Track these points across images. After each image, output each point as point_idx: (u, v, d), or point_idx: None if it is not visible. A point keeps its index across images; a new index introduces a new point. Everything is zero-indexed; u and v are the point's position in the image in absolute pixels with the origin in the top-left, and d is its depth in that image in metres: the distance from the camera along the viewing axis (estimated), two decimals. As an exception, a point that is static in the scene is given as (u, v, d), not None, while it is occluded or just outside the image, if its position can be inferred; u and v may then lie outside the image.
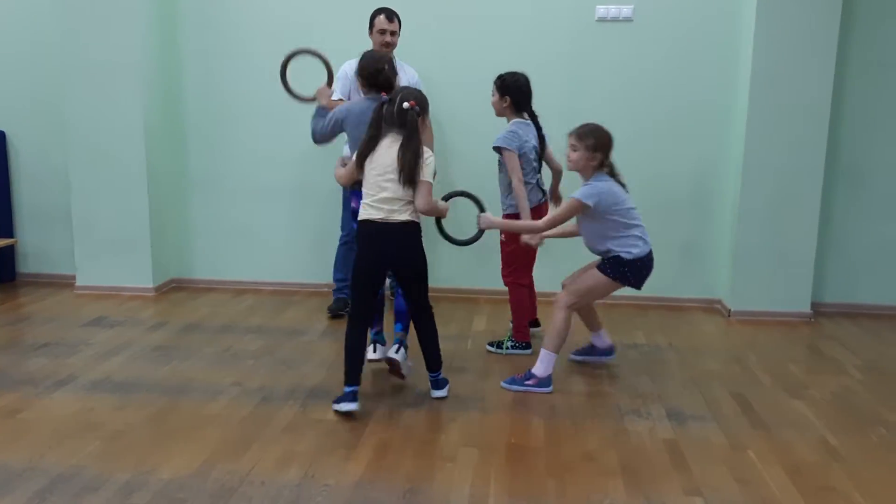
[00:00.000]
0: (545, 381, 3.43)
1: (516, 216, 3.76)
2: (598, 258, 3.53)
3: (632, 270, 3.41)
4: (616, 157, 3.49)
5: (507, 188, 3.82)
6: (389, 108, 3.11)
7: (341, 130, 3.50)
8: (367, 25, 4.41)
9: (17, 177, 5.41)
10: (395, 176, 3.07)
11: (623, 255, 3.38)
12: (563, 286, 3.62)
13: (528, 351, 3.92)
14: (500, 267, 4.00)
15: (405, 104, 3.06)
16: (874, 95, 4.73)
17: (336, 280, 4.69)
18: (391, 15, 4.36)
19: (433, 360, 3.36)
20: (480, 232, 3.54)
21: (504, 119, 3.90)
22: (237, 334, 4.24)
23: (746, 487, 2.60)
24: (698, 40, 4.71)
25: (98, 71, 4.88)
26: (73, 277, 5.20)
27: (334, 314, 4.59)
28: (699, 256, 4.96)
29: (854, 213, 4.86)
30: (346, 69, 4.29)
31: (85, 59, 4.88)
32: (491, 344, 4.03)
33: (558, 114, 4.31)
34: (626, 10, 4.79)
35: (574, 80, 4.83)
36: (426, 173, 3.09)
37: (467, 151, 4.90)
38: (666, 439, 2.98)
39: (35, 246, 5.48)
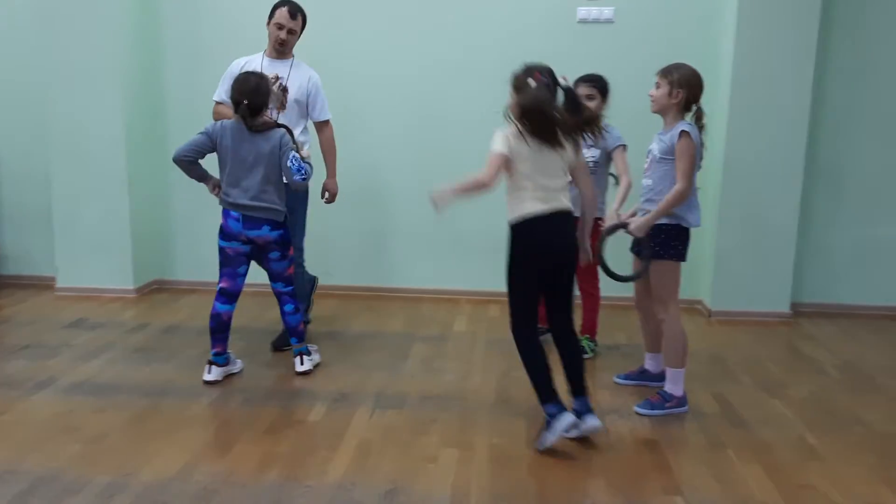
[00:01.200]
0: (683, 400, 3.27)
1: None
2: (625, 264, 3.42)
3: (683, 243, 3.22)
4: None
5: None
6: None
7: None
8: (268, 15, 3.92)
9: (-2, 178, 5.37)
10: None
11: (682, 223, 3.19)
12: (638, 303, 3.48)
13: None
14: (586, 277, 3.90)
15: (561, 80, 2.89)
16: (852, 98, 4.79)
17: None
18: (295, 11, 3.89)
19: (581, 382, 3.00)
20: (646, 268, 3.26)
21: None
22: (220, 336, 4.23)
23: (726, 486, 2.63)
24: (679, 42, 4.74)
25: (79, 74, 4.85)
26: (54, 279, 5.16)
27: (279, 348, 4.03)
28: (681, 257, 5.00)
29: (833, 213, 4.92)
30: (234, 69, 3.87)
31: (66, 62, 4.85)
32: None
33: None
34: (607, 12, 4.83)
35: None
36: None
37: (456, 151, 4.90)
38: (646, 439, 3.00)
39: (15, 248, 5.43)
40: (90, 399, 3.31)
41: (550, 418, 2.83)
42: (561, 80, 2.85)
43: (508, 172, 2.86)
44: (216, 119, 3.84)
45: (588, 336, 4.00)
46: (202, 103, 5.08)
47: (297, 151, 3.44)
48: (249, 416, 3.16)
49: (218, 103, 3.99)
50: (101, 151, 4.92)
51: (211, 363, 3.53)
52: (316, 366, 3.72)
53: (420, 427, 3.08)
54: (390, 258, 5.22)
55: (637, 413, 3.24)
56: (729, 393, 3.50)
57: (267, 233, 3.45)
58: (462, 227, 5.00)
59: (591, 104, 3.71)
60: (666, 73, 3.19)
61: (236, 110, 3.38)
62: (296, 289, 3.76)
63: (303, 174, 3.42)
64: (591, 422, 2.90)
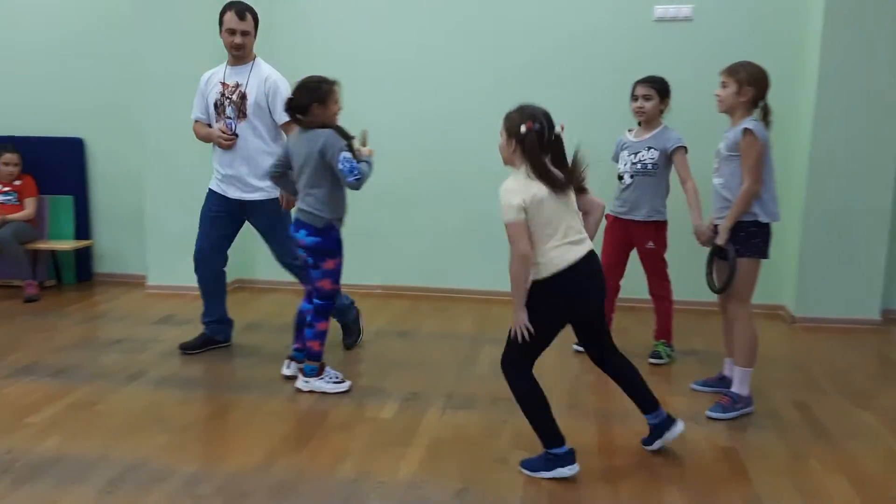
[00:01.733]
0: (749, 401, 3.24)
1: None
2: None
3: (764, 239, 3.16)
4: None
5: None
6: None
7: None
8: (219, 24, 3.80)
9: (94, 181, 5.68)
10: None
11: (760, 217, 3.13)
12: (721, 304, 3.41)
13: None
14: (655, 281, 3.87)
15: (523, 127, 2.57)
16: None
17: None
18: (242, 11, 3.71)
19: (650, 397, 2.83)
20: (733, 270, 3.16)
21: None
22: (298, 334, 4.36)
23: (808, 498, 2.54)
24: (760, 38, 4.60)
25: (168, 83, 5.08)
26: (144, 277, 5.43)
27: (350, 347, 4.08)
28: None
29: (928, 215, 4.67)
30: (202, 85, 3.89)
31: (157, 72, 5.10)
32: (655, 356, 3.89)
33: (622, 116, 4.24)
34: (685, 10, 4.73)
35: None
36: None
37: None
38: (724, 447, 2.93)
39: (110, 247, 5.73)
40: (176, 392, 3.47)
41: (559, 461, 2.64)
42: (557, 129, 2.61)
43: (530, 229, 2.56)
44: (198, 137, 3.96)
45: (664, 341, 3.92)
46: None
47: (351, 150, 3.24)
48: (324, 411, 3.25)
49: (196, 121, 3.94)
50: (187, 156, 5.13)
51: (290, 358, 3.64)
52: (326, 392, 3.43)
53: (491, 428, 3.09)
54: (459, 259, 5.26)
55: (709, 418, 3.17)
56: (812, 402, 3.38)
57: (303, 237, 3.34)
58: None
59: (647, 105, 3.73)
60: (733, 71, 3.17)
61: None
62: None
63: (356, 175, 3.18)
64: (676, 429, 2.82)
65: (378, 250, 5.30)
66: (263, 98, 3.74)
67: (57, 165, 5.54)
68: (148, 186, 5.27)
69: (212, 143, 3.90)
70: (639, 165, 3.81)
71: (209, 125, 3.89)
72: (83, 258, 5.65)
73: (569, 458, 2.65)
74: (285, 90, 3.65)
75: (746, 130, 3.08)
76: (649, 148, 3.77)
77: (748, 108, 3.15)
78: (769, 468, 2.76)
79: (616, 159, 3.96)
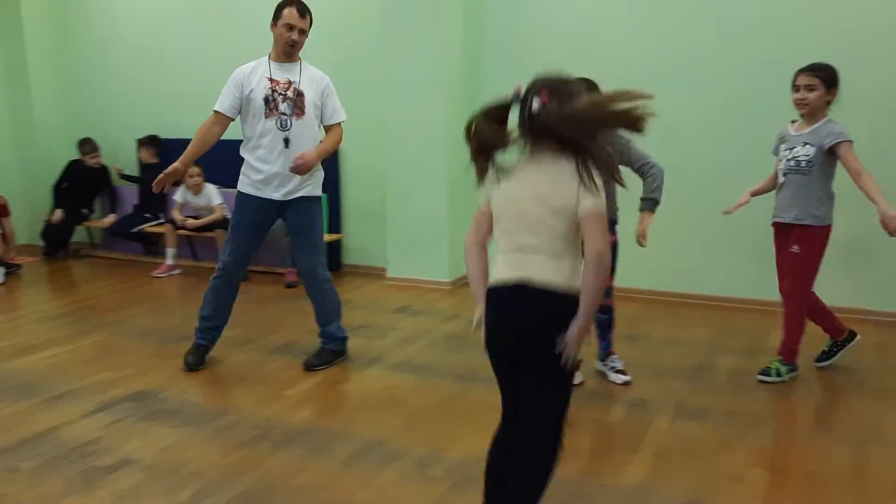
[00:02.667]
0: None
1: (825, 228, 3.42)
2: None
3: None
4: None
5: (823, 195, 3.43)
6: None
7: None
8: (272, 17, 3.68)
9: (346, 180, 6.21)
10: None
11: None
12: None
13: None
14: (791, 287, 3.53)
15: (535, 102, 1.93)
16: None
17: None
18: (303, 10, 3.63)
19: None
20: None
21: None
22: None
23: None
24: None
25: (413, 85, 5.40)
26: (385, 270, 5.85)
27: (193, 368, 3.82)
28: None
29: None
30: (239, 77, 3.66)
31: (404, 75, 5.44)
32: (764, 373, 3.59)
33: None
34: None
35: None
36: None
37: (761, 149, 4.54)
38: None
39: (357, 240, 6.25)
40: (411, 377, 3.69)
41: None
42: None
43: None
44: (201, 135, 3.62)
45: (780, 358, 3.56)
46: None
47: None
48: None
49: (214, 112, 3.67)
50: (426, 156, 5.43)
51: None
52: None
53: (725, 443, 2.91)
54: (697, 263, 5.00)
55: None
56: None
57: None
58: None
59: (810, 95, 3.35)
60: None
61: None
62: (324, 304, 3.83)
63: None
64: None
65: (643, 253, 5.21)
66: (319, 98, 3.73)
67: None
68: (391, 185, 5.66)
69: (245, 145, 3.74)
70: (792, 162, 3.42)
71: (229, 122, 3.70)
72: (334, 250, 6.21)
73: None
74: (335, 92, 3.79)
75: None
76: (805, 143, 3.37)
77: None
78: None
79: (776, 153, 3.60)
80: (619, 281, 5.17)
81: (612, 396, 3.39)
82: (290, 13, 3.59)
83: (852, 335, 3.74)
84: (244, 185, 3.75)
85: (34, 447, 2.93)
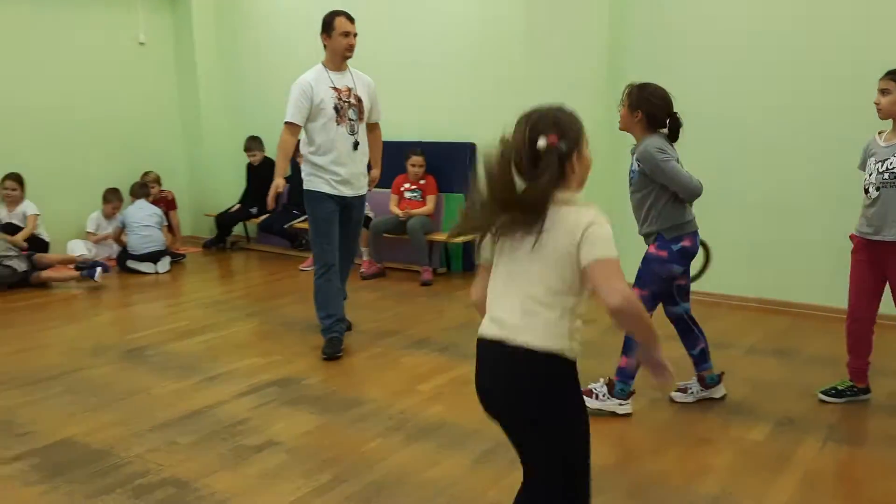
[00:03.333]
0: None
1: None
2: None
3: None
4: None
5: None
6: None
7: None
8: (323, 29, 3.95)
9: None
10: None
11: None
12: None
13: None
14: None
15: (541, 140, 1.70)
16: None
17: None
18: (351, 17, 3.95)
19: None
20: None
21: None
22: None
23: None
24: None
25: (556, 86, 5.36)
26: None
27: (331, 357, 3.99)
28: None
29: None
30: (306, 87, 3.87)
31: (545, 75, 5.41)
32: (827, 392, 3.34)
33: None
34: None
35: None
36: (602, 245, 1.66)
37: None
38: None
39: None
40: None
41: None
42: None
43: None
44: (284, 146, 3.92)
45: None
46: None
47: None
48: (687, 422, 3.15)
49: (288, 124, 3.91)
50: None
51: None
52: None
53: (882, 470, 2.69)
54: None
55: None
56: None
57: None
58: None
59: (886, 99, 3.03)
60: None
61: (662, 125, 3.15)
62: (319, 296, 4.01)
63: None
64: None
65: (756, 261, 4.95)
66: (369, 101, 4.05)
67: (453, 167, 6.25)
68: (525, 187, 5.64)
69: (310, 144, 3.99)
70: (886, 175, 3.06)
71: (300, 131, 3.96)
72: (469, 250, 6.28)
73: None
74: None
75: None
76: None
77: None
78: None
79: (863, 167, 3.22)
80: (769, 293, 4.93)
81: (757, 414, 3.22)
82: (342, 22, 3.89)
83: (868, 389, 3.36)
84: (321, 185, 3.98)
85: (192, 423, 3.18)
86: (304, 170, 4.05)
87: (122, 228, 6.35)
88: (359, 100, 3.99)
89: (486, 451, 2.89)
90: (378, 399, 3.44)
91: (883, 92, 3.08)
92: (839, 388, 3.35)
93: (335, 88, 3.93)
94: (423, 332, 4.50)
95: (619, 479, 2.67)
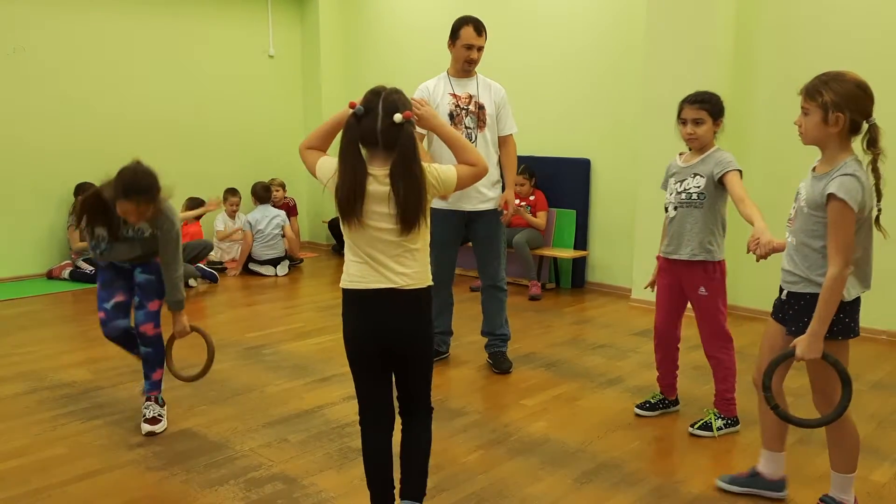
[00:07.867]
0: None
1: None
2: None
3: (851, 315, 2.48)
4: None
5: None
6: (369, 121, 2.13)
7: None
8: (450, 36, 3.89)
9: (595, 198, 6.20)
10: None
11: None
12: (761, 381, 2.45)
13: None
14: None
15: (396, 115, 2.12)
16: None
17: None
18: (480, 28, 3.81)
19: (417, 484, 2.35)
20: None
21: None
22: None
23: None
24: None
25: (668, 106, 5.23)
26: (629, 290, 5.72)
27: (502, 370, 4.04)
28: None
29: None
30: (425, 94, 3.84)
31: (659, 96, 5.30)
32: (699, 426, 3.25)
33: None
34: None
35: None
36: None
37: None
38: None
39: (602, 258, 6.20)
40: (650, 404, 3.59)
41: None
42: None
43: None
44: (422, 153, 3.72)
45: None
46: (784, 133, 5.01)
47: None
48: (800, 455, 2.98)
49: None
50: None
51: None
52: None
53: None
54: None
55: None
56: None
57: None
58: None
59: (699, 129, 2.96)
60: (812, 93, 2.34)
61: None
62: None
63: None
64: None
65: (888, 292, 4.63)
66: (495, 110, 3.91)
67: (566, 183, 6.21)
68: (641, 204, 5.54)
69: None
70: (683, 195, 3.13)
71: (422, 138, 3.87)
72: (579, 267, 6.22)
73: None
74: (508, 103, 3.98)
75: (831, 197, 2.25)
76: (695, 175, 3.13)
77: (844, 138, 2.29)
78: None
79: (665, 187, 3.21)
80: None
81: (880, 454, 3.01)
82: (468, 33, 3.82)
83: (677, 401, 3.49)
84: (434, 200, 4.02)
85: (302, 422, 3.32)
86: None
87: (249, 232, 6.65)
88: (480, 107, 3.88)
89: (589, 472, 2.86)
90: (482, 411, 3.47)
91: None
92: (651, 401, 3.46)
93: (454, 95, 3.90)
94: (530, 346, 4.49)
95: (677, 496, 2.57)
